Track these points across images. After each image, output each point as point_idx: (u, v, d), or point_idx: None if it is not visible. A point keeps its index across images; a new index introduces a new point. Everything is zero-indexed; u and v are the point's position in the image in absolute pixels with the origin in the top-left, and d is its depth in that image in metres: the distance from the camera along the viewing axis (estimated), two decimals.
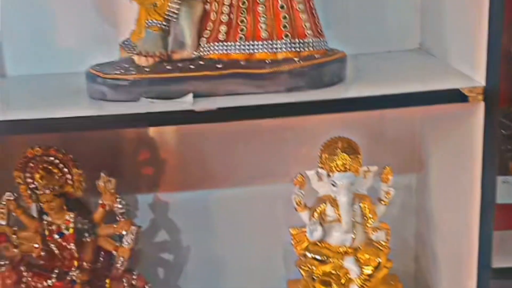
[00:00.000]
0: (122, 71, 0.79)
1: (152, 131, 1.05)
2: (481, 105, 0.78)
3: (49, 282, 0.95)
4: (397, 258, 1.16)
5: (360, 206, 0.98)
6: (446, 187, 0.97)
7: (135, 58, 0.81)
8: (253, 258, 1.16)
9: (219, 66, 0.80)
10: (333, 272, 0.98)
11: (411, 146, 1.13)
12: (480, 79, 0.78)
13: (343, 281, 0.98)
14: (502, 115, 0.96)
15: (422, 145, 1.10)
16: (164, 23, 0.82)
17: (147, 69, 0.80)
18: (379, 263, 0.97)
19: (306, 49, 0.82)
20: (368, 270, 0.97)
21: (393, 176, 1.05)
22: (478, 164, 0.81)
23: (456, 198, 0.91)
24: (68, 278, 0.95)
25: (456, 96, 0.77)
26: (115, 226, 0.96)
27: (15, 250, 0.95)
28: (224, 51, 0.81)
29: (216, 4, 0.83)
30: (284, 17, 0.82)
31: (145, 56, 0.79)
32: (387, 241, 1.00)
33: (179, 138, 1.08)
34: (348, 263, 0.97)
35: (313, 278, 0.98)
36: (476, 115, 0.80)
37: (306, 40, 0.82)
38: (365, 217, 0.98)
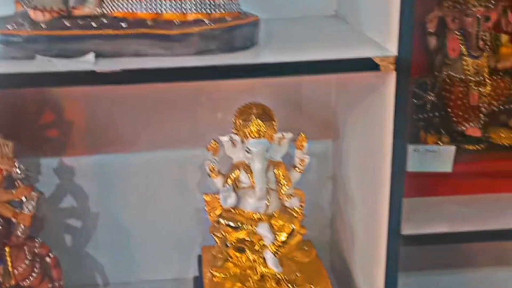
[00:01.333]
0: (15, 26, 0.73)
1: (56, 91, 0.99)
2: (393, 75, 0.77)
3: None
4: (313, 225, 1.16)
5: (274, 172, 0.97)
6: (359, 154, 0.98)
7: (31, 12, 0.75)
8: (166, 224, 1.13)
9: (124, 25, 0.75)
10: (247, 238, 0.97)
11: (326, 113, 1.12)
12: (392, 49, 0.77)
13: (257, 247, 0.98)
14: (414, 85, 0.96)
15: (337, 112, 1.10)
16: None
17: (43, 25, 0.74)
18: (293, 229, 0.97)
19: (217, 10, 0.78)
20: (281, 236, 0.96)
21: (309, 143, 1.05)
22: (389, 133, 0.81)
23: (368, 166, 0.92)
24: None
25: (367, 65, 0.76)
26: (13, 192, 0.90)
27: None
28: (130, 9, 0.76)
29: None
30: None
31: (42, 10, 0.73)
32: (302, 207, 1.00)
33: (86, 99, 1.03)
34: (262, 229, 0.96)
35: (227, 245, 0.97)
36: (388, 84, 0.79)
37: (217, 2, 0.78)
38: (279, 184, 0.97)
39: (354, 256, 1.04)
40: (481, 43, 0.94)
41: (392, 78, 0.78)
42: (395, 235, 0.85)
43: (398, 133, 0.80)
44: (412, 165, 0.94)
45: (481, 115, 0.97)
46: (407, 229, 0.87)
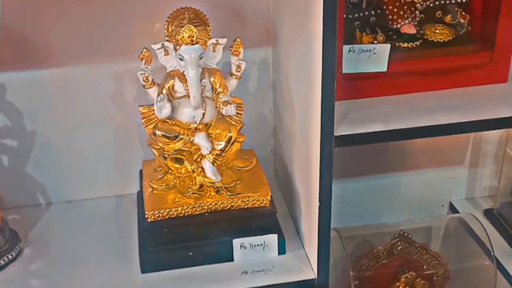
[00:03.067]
0: None
1: None
2: None
3: None
4: (256, 133, 1.17)
5: (210, 80, 0.95)
6: (296, 60, 0.96)
7: None
8: (107, 141, 1.11)
9: None
10: (185, 149, 0.96)
11: (265, 20, 1.09)
12: None
13: (195, 157, 0.97)
14: None
15: (275, 18, 1.06)
16: None
17: None
18: (231, 137, 0.96)
19: None
20: (219, 145, 0.96)
21: (248, 50, 1.02)
22: (319, 34, 0.79)
23: (303, 70, 0.90)
24: None
25: None
26: None
27: None
28: None
29: None
30: None
31: None
32: (240, 115, 0.99)
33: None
34: (199, 139, 0.95)
35: (165, 157, 0.96)
36: None
37: None
38: (215, 92, 0.95)
39: (294, 163, 1.05)
40: None
41: None
42: (328, 137, 0.85)
43: (327, 33, 0.78)
44: (348, 66, 0.93)
45: (417, 12, 0.96)
46: (341, 131, 0.87)
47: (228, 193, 0.97)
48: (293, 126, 1.02)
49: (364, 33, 0.94)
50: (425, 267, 1.20)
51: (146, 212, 0.94)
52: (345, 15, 0.95)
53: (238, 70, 0.97)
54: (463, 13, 0.97)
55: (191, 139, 0.94)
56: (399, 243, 1.18)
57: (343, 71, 0.93)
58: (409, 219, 1.28)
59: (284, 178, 1.13)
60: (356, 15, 0.95)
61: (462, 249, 1.28)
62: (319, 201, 0.90)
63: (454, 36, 0.96)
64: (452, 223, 1.32)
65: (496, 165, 1.32)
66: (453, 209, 1.35)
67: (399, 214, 1.32)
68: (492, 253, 1.16)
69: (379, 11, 0.96)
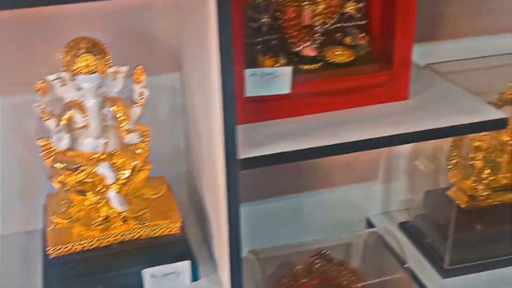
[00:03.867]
0: None
1: None
2: None
3: None
4: (169, 159, 1.16)
5: (111, 109, 0.93)
6: (198, 85, 0.95)
7: None
8: (7, 174, 1.07)
9: None
10: (88, 180, 0.93)
11: (171, 45, 1.08)
12: None
13: (99, 187, 0.94)
14: (249, 8, 0.94)
15: (180, 43, 1.06)
16: None
17: None
18: (135, 166, 0.94)
19: None
20: (124, 174, 0.94)
21: (156, 76, 1.01)
22: (216, 59, 0.79)
23: (205, 95, 0.89)
24: None
25: None
26: None
27: None
28: None
29: None
30: None
31: None
32: (146, 143, 0.97)
33: None
34: (103, 169, 0.92)
35: (67, 189, 0.93)
36: (208, 7, 0.76)
37: None
38: (117, 120, 0.93)
39: (204, 187, 1.04)
40: None
41: (211, 1, 0.75)
42: (232, 160, 0.84)
43: (224, 59, 0.78)
44: (251, 90, 0.93)
45: (316, 35, 0.97)
46: (246, 153, 0.87)
47: (136, 222, 0.95)
48: (201, 151, 1.01)
49: (266, 57, 0.95)
50: (344, 283, 1.21)
51: (47, 248, 0.90)
52: (246, 40, 0.95)
53: (141, 97, 0.95)
54: (362, 34, 0.99)
55: (94, 170, 0.92)
56: (318, 261, 1.19)
57: (247, 95, 0.93)
58: (328, 237, 1.30)
59: (197, 203, 1.11)
60: (258, 39, 0.96)
61: (380, 263, 1.30)
62: (228, 224, 0.89)
63: (354, 57, 0.98)
64: (370, 238, 1.34)
65: (408, 179, 1.36)
66: (370, 224, 1.38)
67: (319, 232, 1.33)
68: (406, 265, 1.19)
69: (280, 35, 0.96)
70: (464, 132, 0.97)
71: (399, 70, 0.98)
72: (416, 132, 0.92)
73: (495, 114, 0.96)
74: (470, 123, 0.94)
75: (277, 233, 1.30)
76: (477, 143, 1.18)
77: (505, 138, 1.19)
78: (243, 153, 0.85)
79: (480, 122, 0.95)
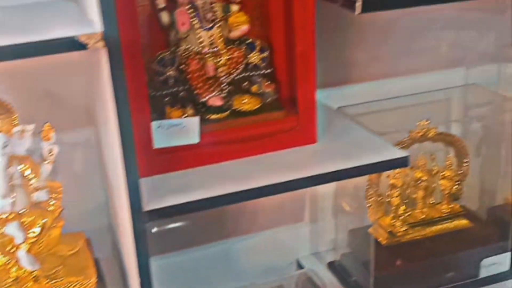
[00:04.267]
0: None
1: None
2: (103, 52, 0.76)
3: None
4: (90, 214, 1.16)
5: (18, 168, 0.92)
6: (105, 139, 0.96)
7: None
8: None
9: None
10: None
11: (83, 100, 1.09)
12: (99, 26, 0.76)
13: (9, 248, 0.93)
14: (155, 61, 0.97)
15: (91, 98, 1.07)
16: None
17: None
18: (45, 223, 0.94)
19: None
20: (34, 233, 0.93)
21: (71, 131, 1.01)
22: (113, 111, 0.80)
23: (110, 149, 0.91)
24: None
25: (74, 44, 0.74)
26: None
27: None
28: None
29: None
30: None
31: None
32: (57, 199, 0.97)
33: None
34: (10, 229, 0.91)
35: None
36: (101, 62, 0.78)
37: None
38: (25, 179, 0.93)
39: (121, 240, 1.03)
40: (209, 14, 0.96)
41: (104, 56, 0.77)
42: (137, 213, 0.85)
43: (121, 111, 0.79)
44: (159, 142, 0.95)
45: (223, 85, 1.00)
46: (153, 205, 0.88)
47: (48, 281, 0.94)
48: (114, 204, 1.02)
49: (173, 108, 0.97)
50: None
51: None
52: (154, 93, 0.98)
53: (50, 154, 0.95)
54: (268, 82, 1.03)
55: (1, 230, 0.91)
56: None
57: (155, 147, 0.94)
58: (258, 282, 1.31)
59: (118, 256, 1.11)
60: (166, 91, 0.98)
61: None
62: (139, 277, 0.89)
63: (261, 104, 1.01)
64: (300, 280, 1.35)
65: (334, 219, 1.39)
66: (300, 265, 1.39)
67: (250, 278, 1.34)
68: None
69: (187, 86, 0.99)
70: (368, 172, 1.00)
71: (305, 115, 1.02)
72: (320, 174, 0.95)
73: (398, 153, 1.00)
74: (374, 163, 0.98)
75: (207, 281, 1.30)
76: (392, 181, 1.22)
77: (419, 174, 1.24)
78: (152, 205, 0.86)
79: (384, 161, 0.99)
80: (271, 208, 1.33)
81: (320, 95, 1.23)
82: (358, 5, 0.86)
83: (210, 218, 1.27)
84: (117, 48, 0.76)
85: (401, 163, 0.99)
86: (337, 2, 0.91)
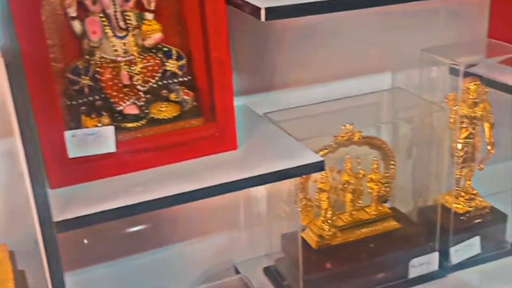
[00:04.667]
0: None
1: None
2: (1, 63, 0.76)
3: None
4: (15, 227, 1.14)
5: None
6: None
7: None
8: None
9: None
10: None
11: (4, 110, 1.08)
12: None
13: None
14: (69, 71, 0.96)
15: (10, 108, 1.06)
16: None
17: None
18: None
19: None
20: None
21: None
22: (14, 121, 0.80)
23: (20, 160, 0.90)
24: None
25: None
26: None
27: None
28: None
29: None
30: None
31: None
32: None
33: None
34: None
35: None
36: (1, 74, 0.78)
37: None
38: None
39: (42, 253, 1.03)
40: (122, 23, 0.96)
41: (1, 67, 0.77)
42: (46, 224, 0.84)
43: (22, 122, 0.79)
44: (73, 151, 0.94)
45: (140, 93, 1.00)
46: (65, 215, 0.87)
47: None
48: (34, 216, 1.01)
49: (89, 117, 0.97)
50: None
51: None
52: (71, 102, 0.97)
53: None
54: (186, 90, 1.04)
55: None
56: None
57: (70, 156, 0.94)
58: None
59: (41, 270, 1.09)
60: (82, 101, 0.98)
61: None
62: None
63: (179, 112, 1.02)
64: (237, 286, 1.36)
65: (269, 224, 1.40)
66: (238, 271, 1.39)
67: (188, 284, 1.34)
68: None
69: (103, 95, 0.99)
70: (285, 177, 1.01)
71: (223, 122, 1.02)
72: (236, 180, 0.96)
73: (314, 157, 1.02)
74: (290, 168, 0.99)
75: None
76: (320, 185, 1.24)
77: (346, 178, 1.26)
78: (62, 215, 0.85)
79: (300, 166, 1.00)
80: (207, 214, 1.33)
81: (247, 101, 1.27)
82: (263, 13, 0.87)
83: (145, 225, 1.27)
84: (17, 59, 0.76)
85: (317, 167, 1.01)
86: (245, 10, 0.91)
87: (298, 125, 1.23)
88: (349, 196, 1.27)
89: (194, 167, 1.01)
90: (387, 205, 1.35)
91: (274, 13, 0.88)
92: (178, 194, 0.94)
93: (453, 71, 1.26)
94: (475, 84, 1.27)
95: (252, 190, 1.34)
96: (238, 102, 1.24)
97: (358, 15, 1.22)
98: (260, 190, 1.35)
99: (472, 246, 1.31)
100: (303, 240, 1.28)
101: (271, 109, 1.26)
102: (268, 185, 1.28)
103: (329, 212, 1.24)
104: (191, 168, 1.00)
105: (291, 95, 1.30)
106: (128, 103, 0.98)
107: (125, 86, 0.99)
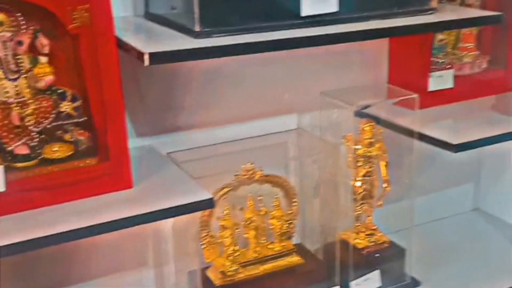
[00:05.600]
0: None
1: None
2: None
3: None
4: None
5: None
6: None
7: None
8: None
9: None
10: None
11: None
12: None
13: None
14: None
15: None
16: None
17: None
18: None
19: None
20: None
21: None
22: None
23: None
24: None
25: None
26: None
27: None
28: None
29: None
30: None
31: None
32: None
33: None
34: None
35: None
36: None
37: None
38: None
39: None
40: (13, 66, 0.99)
41: None
42: None
43: None
44: None
45: (33, 133, 1.02)
46: None
47: None
48: None
49: None
50: None
51: None
52: None
53: None
54: (82, 130, 1.06)
55: None
56: None
57: None
58: None
59: None
60: None
61: None
62: None
63: (73, 152, 1.04)
64: None
65: (177, 261, 1.41)
66: None
67: None
68: None
69: None
70: (175, 214, 1.04)
71: (117, 161, 1.05)
72: (123, 218, 0.98)
73: (205, 195, 1.06)
74: (180, 205, 1.03)
75: None
76: (222, 222, 1.27)
77: (248, 215, 1.30)
78: None
79: (190, 203, 1.04)
80: (115, 252, 1.34)
81: (154, 142, 1.31)
82: (146, 57, 0.92)
83: (48, 264, 1.27)
84: None
85: (206, 204, 1.05)
86: (132, 54, 0.96)
87: (202, 165, 1.27)
88: (252, 233, 1.31)
89: (86, 206, 1.03)
90: (295, 241, 1.39)
91: (158, 58, 0.93)
92: (66, 231, 0.95)
93: (350, 113, 1.33)
94: (370, 125, 1.34)
95: (160, 227, 1.36)
96: (144, 142, 1.30)
97: (263, 58, 1.28)
98: (167, 227, 1.38)
99: (372, 280, 1.36)
100: (207, 277, 1.30)
101: (178, 149, 1.30)
102: (174, 222, 1.31)
103: (232, 249, 1.27)
104: (82, 207, 1.02)
105: (199, 135, 1.34)
106: (18, 143, 1.00)
107: (17, 126, 1.01)
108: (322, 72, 1.45)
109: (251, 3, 1.08)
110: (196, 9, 1.00)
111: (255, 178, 1.27)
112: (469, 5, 1.47)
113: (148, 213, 1.01)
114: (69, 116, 1.06)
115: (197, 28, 1.01)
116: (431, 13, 1.18)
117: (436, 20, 1.15)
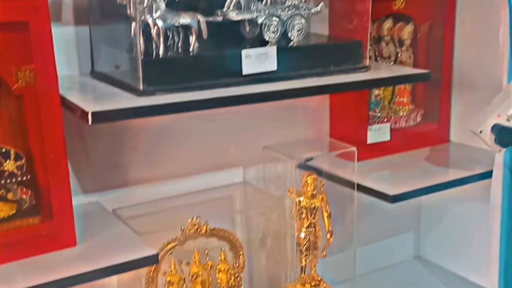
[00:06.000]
0: None
1: None
2: None
3: None
4: None
5: None
6: None
7: None
8: None
9: None
10: None
11: None
12: None
13: None
14: None
15: None
16: None
17: None
18: None
19: None
20: None
21: None
22: None
23: None
24: None
25: None
26: None
27: None
28: None
29: None
30: None
31: None
32: None
33: None
34: None
35: None
36: None
37: None
38: None
39: None
40: None
41: None
42: None
43: None
44: None
45: None
46: None
47: None
48: None
49: None
50: None
51: None
52: None
53: None
54: (25, 189, 1.06)
55: None
56: None
57: None
58: None
59: None
60: None
61: None
62: None
63: (16, 211, 1.04)
64: None
65: None
66: None
67: None
68: None
69: None
70: (118, 271, 1.04)
71: (60, 220, 1.05)
72: (71, 276, 0.98)
73: (150, 251, 1.06)
74: (124, 262, 1.03)
75: None
76: (168, 278, 1.27)
77: (194, 270, 1.30)
78: None
79: (137, 259, 1.05)
80: None
81: (101, 198, 1.31)
82: (89, 116, 0.94)
83: None
84: None
85: (151, 260, 1.06)
86: (76, 113, 0.98)
87: (148, 220, 1.28)
88: None
89: (29, 265, 1.02)
90: None
91: (101, 116, 0.95)
92: None
93: (293, 166, 1.37)
94: (312, 177, 1.38)
95: (104, 284, 1.34)
96: (90, 199, 1.30)
97: (209, 113, 1.31)
98: (112, 285, 1.36)
99: None
100: None
101: (125, 205, 1.31)
102: (118, 280, 1.30)
103: None
104: (26, 266, 1.01)
105: (145, 191, 1.35)
106: None
107: None
108: (266, 126, 1.49)
109: (194, 62, 1.13)
110: (140, 68, 1.04)
111: (202, 232, 1.28)
112: (402, 63, 1.57)
113: (91, 271, 1.01)
114: (12, 174, 1.06)
115: (140, 86, 1.04)
116: (364, 71, 1.25)
117: (368, 78, 1.22)
